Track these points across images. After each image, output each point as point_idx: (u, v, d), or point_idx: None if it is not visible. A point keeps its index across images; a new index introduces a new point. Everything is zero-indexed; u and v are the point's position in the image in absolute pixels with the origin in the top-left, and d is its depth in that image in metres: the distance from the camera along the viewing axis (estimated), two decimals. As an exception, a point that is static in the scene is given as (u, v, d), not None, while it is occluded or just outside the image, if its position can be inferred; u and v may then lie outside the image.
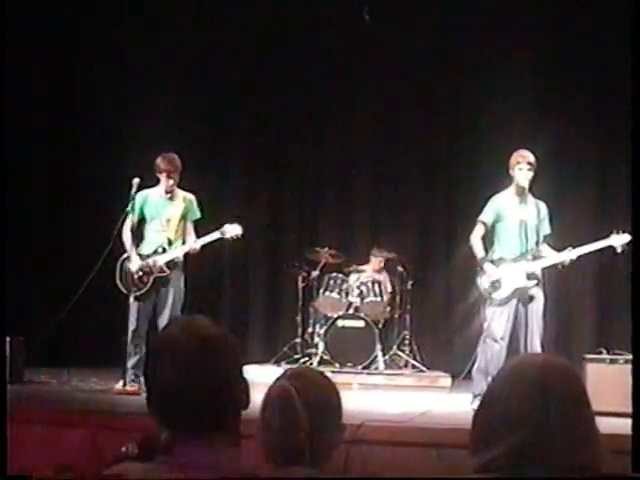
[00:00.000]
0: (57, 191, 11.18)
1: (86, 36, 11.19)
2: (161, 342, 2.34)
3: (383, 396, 8.53)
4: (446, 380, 9.61)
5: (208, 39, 11.17)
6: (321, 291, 10.36)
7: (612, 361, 7.36)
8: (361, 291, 10.32)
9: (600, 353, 7.55)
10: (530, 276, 7.47)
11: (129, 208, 8.19)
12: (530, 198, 7.66)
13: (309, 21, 11.04)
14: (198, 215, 8.42)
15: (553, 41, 10.63)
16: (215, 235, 8.10)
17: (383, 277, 10.68)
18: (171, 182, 8.16)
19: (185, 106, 11.25)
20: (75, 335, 10.19)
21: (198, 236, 8.24)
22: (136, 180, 8.04)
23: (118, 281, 8.14)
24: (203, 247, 8.14)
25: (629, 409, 6.91)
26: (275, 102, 11.43)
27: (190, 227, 8.36)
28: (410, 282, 10.47)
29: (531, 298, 7.45)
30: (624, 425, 6.42)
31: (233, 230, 8.11)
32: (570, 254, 7.44)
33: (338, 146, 11.59)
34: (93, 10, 11.07)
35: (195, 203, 8.41)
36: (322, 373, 2.83)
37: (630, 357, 7.35)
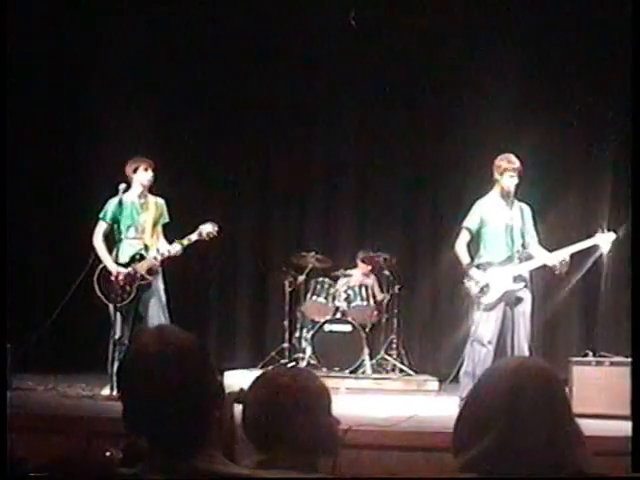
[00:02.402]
0: (46, 196, 11.16)
1: (76, 39, 11.16)
2: (131, 355, 2.35)
3: (370, 400, 8.53)
4: (433, 384, 9.63)
5: (195, 43, 11.14)
6: (308, 296, 10.37)
7: (598, 363, 7.39)
8: (348, 295, 10.33)
9: (586, 355, 7.57)
10: (517, 278, 7.50)
11: (101, 215, 8.21)
12: (514, 201, 7.69)
13: (295, 27, 11.03)
14: (167, 219, 8.43)
15: (538, 43, 10.65)
16: (193, 237, 8.10)
17: (371, 281, 10.69)
18: (150, 174, 8.19)
19: (171, 109, 11.24)
20: (61, 341, 10.17)
21: (170, 240, 8.25)
22: (122, 186, 8.01)
23: (99, 292, 8.10)
24: (183, 250, 8.16)
25: (615, 411, 6.97)
26: (261, 106, 11.43)
27: (159, 231, 8.38)
28: (397, 286, 10.48)
29: (518, 300, 7.47)
30: (610, 427, 6.46)
31: (208, 228, 8.12)
32: (558, 255, 7.46)
33: (324, 150, 11.59)
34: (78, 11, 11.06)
35: (165, 207, 8.43)
36: (301, 375, 2.72)
37: (616, 359, 7.40)
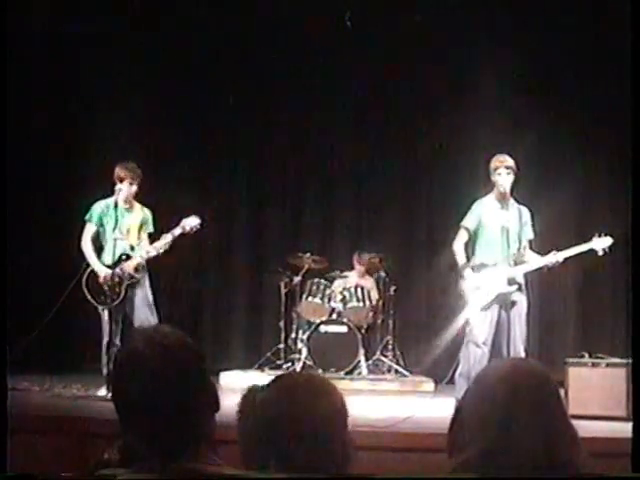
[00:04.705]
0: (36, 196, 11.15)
1: (75, 40, 11.12)
2: (124, 356, 2.34)
3: (366, 401, 8.50)
4: (429, 385, 9.64)
5: (190, 45, 11.13)
6: (304, 296, 10.37)
7: (594, 365, 7.38)
8: (344, 296, 10.33)
9: (582, 357, 7.57)
10: (511, 281, 7.49)
11: (87, 218, 8.24)
12: (512, 203, 7.67)
13: (291, 24, 11.03)
14: (152, 229, 8.43)
15: (535, 42, 10.65)
16: (176, 231, 8.08)
17: (369, 283, 10.69)
18: (134, 188, 8.20)
19: (166, 111, 11.23)
20: (57, 342, 10.15)
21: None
22: (118, 187, 8.04)
23: (88, 296, 8.10)
24: (171, 247, 8.14)
25: (611, 412, 6.97)
26: (256, 106, 11.42)
27: (145, 239, 8.37)
28: (393, 287, 10.48)
29: (513, 303, 7.46)
30: (606, 428, 6.46)
31: (191, 222, 8.12)
32: (553, 258, 7.46)
33: (320, 150, 11.58)
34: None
35: (151, 217, 8.45)
36: (316, 382, 2.62)
37: (612, 361, 7.39)
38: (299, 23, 10.95)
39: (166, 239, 8.10)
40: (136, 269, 8.13)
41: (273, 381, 2.54)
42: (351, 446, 2.65)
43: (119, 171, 8.16)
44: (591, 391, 7.15)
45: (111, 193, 8.12)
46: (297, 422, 2.42)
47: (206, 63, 11.21)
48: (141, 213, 8.36)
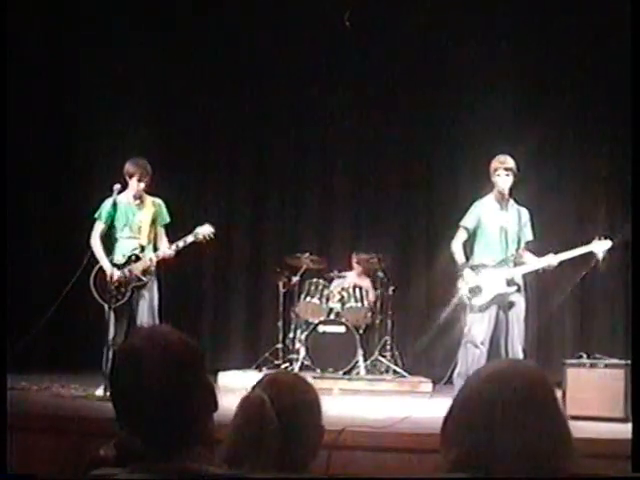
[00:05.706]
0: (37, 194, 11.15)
1: (75, 38, 11.14)
2: (123, 354, 2.34)
3: (364, 401, 8.51)
4: (427, 385, 9.63)
5: (192, 44, 11.14)
6: (302, 296, 10.37)
7: (592, 366, 7.37)
8: (342, 297, 10.33)
9: (580, 358, 7.57)
10: (510, 282, 7.49)
11: (96, 215, 8.18)
12: (511, 204, 7.67)
13: (291, 24, 11.05)
14: (168, 219, 8.37)
15: (535, 44, 10.66)
16: (189, 239, 8.05)
17: (365, 283, 10.69)
18: (142, 186, 8.12)
19: (165, 110, 11.23)
20: (56, 341, 10.15)
21: (171, 240, 8.22)
22: (117, 186, 7.99)
23: (95, 293, 8.08)
24: (177, 252, 8.13)
25: (609, 413, 6.97)
26: (256, 107, 11.43)
27: (161, 232, 8.32)
28: (391, 287, 10.48)
29: (511, 304, 7.45)
30: (605, 429, 6.46)
31: (205, 230, 8.09)
32: (551, 260, 7.47)
33: (319, 150, 11.58)
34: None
35: (164, 207, 8.37)
36: (300, 377, 2.82)
37: (610, 361, 7.38)
38: (299, 23, 10.96)
39: (177, 246, 8.09)
40: (144, 272, 8.10)
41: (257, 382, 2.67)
42: (323, 434, 2.75)
43: (129, 167, 8.10)
44: (589, 392, 7.14)
45: (110, 192, 8.08)
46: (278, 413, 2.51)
47: (206, 63, 11.21)
48: (152, 207, 8.27)
